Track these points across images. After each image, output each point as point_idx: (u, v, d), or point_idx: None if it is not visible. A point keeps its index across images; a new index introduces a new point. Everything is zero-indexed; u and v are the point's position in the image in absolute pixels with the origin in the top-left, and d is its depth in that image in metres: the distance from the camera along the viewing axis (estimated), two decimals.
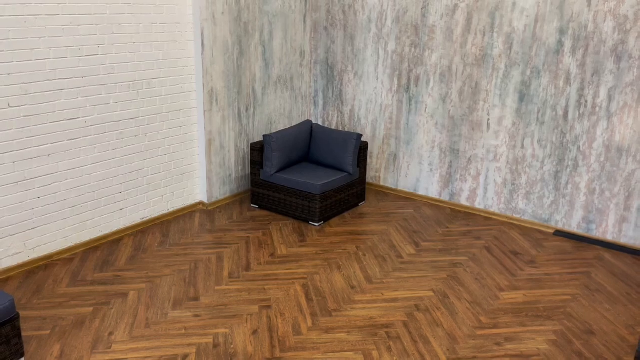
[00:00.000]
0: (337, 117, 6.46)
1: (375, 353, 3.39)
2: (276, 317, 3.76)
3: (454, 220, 5.48)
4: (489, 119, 5.38)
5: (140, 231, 5.04)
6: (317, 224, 5.27)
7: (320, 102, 6.57)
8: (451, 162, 5.72)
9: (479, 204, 5.64)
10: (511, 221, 5.45)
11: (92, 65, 4.40)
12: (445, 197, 5.86)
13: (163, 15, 4.84)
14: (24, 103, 4.04)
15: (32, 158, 4.17)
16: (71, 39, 4.23)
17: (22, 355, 3.12)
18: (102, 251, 4.63)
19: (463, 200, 5.75)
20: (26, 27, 3.95)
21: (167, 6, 4.86)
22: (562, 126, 5.01)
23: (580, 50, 4.79)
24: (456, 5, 5.32)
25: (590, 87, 4.81)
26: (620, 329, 3.69)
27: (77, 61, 4.30)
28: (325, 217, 5.32)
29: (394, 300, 4.00)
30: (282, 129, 5.95)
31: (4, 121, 3.95)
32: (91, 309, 3.79)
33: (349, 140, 5.54)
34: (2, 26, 3.82)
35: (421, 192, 5.99)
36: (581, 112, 4.89)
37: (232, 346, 3.43)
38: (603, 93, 4.76)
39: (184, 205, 5.48)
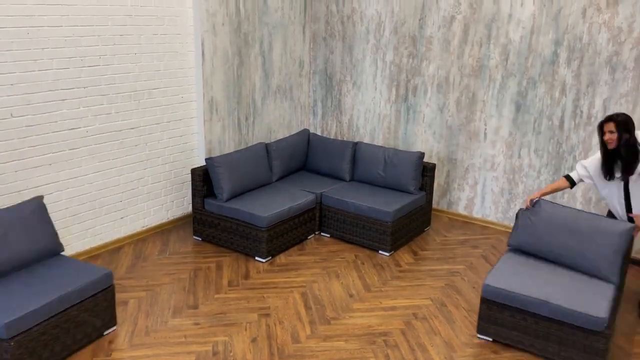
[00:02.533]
0: (336, 126, 6.51)
1: None
2: (275, 325, 3.79)
3: (452, 229, 5.52)
4: (485, 129, 5.44)
5: (141, 240, 5.07)
6: (316, 234, 5.32)
7: (319, 112, 6.63)
8: (449, 171, 5.77)
9: (476, 213, 5.69)
10: (508, 230, 5.48)
11: (93, 75, 4.46)
12: (443, 205, 5.91)
13: (164, 27, 4.91)
14: (27, 113, 4.09)
15: (33, 167, 4.21)
16: (73, 50, 4.29)
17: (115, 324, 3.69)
18: (102, 259, 4.66)
19: (461, 209, 5.79)
20: (29, 38, 4.01)
21: (168, 17, 4.92)
22: (558, 136, 5.06)
23: (576, 62, 4.86)
24: (453, 17, 5.40)
25: (586, 97, 4.87)
26: (616, 337, 3.72)
27: (79, 72, 4.36)
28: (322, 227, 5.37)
29: (392, 308, 4.03)
30: (281, 138, 5.99)
31: (6, 131, 3.99)
32: None
33: (346, 149, 5.60)
34: (6, 38, 3.88)
35: None
36: (577, 122, 4.95)
37: (232, 354, 3.46)
38: (598, 103, 4.82)
39: (184, 214, 5.52)
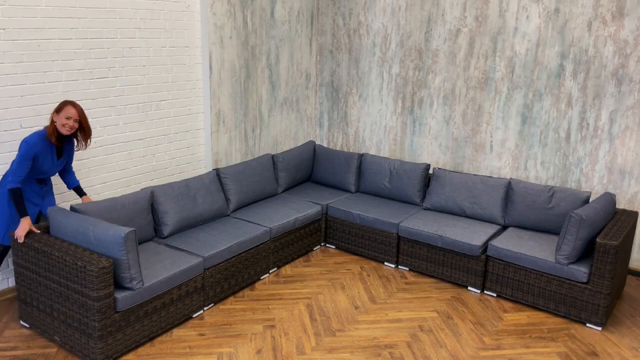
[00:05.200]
0: (342, 138, 6.54)
1: None
2: (280, 336, 3.78)
3: None
4: (492, 141, 5.44)
5: None
6: (326, 246, 5.31)
7: (325, 124, 6.66)
8: None
9: None
10: None
11: (102, 87, 4.51)
12: None
13: (172, 39, 4.96)
14: (36, 124, 4.13)
15: None
16: (83, 62, 4.34)
17: None
18: None
19: None
20: (40, 50, 4.07)
21: (177, 30, 4.98)
22: (564, 148, 5.06)
23: (582, 74, 4.86)
24: (459, 30, 5.43)
25: (592, 110, 4.87)
26: (623, 351, 3.69)
27: (89, 84, 4.41)
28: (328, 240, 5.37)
29: (398, 320, 4.02)
30: (287, 149, 6.02)
31: (16, 142, 4.04)
32: None
33: (352, 160, 5.62)
34: (17, 50, 3.94)
35: None
36: (583, 134, 4.94)
37: None
38: (605, 116, 4.82)
39: None
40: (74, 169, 4.19)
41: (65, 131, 3.66)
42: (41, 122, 4.16)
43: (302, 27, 6.21)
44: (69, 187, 4.07)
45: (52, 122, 3.67)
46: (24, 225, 3.58)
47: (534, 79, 5.10)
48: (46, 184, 3.91)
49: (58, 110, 3.66)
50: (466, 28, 5.38)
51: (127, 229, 3.36)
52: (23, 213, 3.58)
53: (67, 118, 3.64)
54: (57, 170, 3.91)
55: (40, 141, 3.65)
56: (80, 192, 4.09)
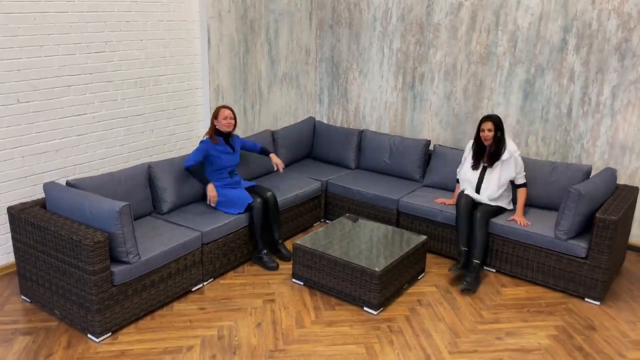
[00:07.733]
0: (342, 114, 6.49)
1: (377, 346, 3.43)
2: (280, 310, 3.80)
3: None
4: None
5: None
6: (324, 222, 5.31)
7: (325, 100, 6.61)
8: None
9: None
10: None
11: (99, 62, 4.46)
12: None
13: (170, 13, 4.90)
14: (33, 99, 4.10)
15: (40, 153, 4.23)
16: (79, 36, 4.29)
17: None
18: None
19: None
20: (35, 24, 4.02)
21: (174, 4, 4.91)
22: (565, 124, 5.02)
23: (584, 48, 4.80)
24: (461, 4, 5.35)
25: (594, 85, 4.82)
26: (621, 324, 3.71)
27: (85, 58, 4.36)
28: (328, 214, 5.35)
29: (397, 294, 4.03)
30: (287, 125, 5.99)
31: (13, 117, 4.02)
32: None
33: (352, 136, 5.59)
34: (12, 23, 3.89)
35: None
36: (585, 109, 4.90)
37: (237, 338, 3.48)
38: (607, 91, 4.77)
39: None
40: (73, 141, 4.16)
41: (225, 129, 4.39)
42: (38, 97, 4.13)
43: (302, 1, 6.12)
44: (259, 153, 4.87)
45: (213, 125, 4.42)
46: (210, 188, 4.33)
47: (536, 53, 5.04)
48: (234, 174, 4.56)
49: (215, 115, 4.38)
50: (468, 1, 5.30)
51: (121, 203, 3.36)
52: (204, 182, 4.35)
53: (224, 118, 4.35)
54: (237, 160, 4.56)
55: (207, 144, 4.39)
56: (265, 152, 4.86)
